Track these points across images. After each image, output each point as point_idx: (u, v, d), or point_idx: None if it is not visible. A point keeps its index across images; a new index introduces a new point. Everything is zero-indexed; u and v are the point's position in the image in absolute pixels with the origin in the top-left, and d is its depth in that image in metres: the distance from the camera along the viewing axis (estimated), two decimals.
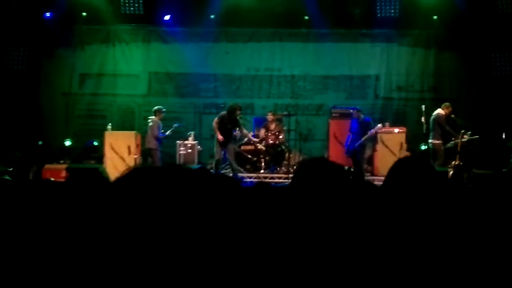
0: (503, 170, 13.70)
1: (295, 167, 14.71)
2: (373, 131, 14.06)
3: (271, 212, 2.75)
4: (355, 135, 14.03)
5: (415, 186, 2.77)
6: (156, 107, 14.66)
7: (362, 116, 14.16)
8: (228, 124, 13.87)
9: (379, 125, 14.64)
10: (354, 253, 2.37)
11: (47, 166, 14.50)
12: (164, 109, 14.65)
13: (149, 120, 14.45)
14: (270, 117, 15.34)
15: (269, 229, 2.50)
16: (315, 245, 2.39)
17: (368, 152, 14.78)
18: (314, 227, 2.44)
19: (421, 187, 2.78)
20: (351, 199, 2.55)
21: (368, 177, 14.26)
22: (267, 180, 13.88)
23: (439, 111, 13.93)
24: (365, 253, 2.39)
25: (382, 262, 2.40)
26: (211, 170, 13.67)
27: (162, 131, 14.44)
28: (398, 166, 2.92)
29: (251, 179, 13.91)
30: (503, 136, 14.24)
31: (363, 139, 13.86)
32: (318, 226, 2.44)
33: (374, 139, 14.79)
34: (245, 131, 14.56)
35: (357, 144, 13.87)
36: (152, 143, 14.28)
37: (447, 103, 14.08)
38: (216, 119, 13.95)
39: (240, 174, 14.23)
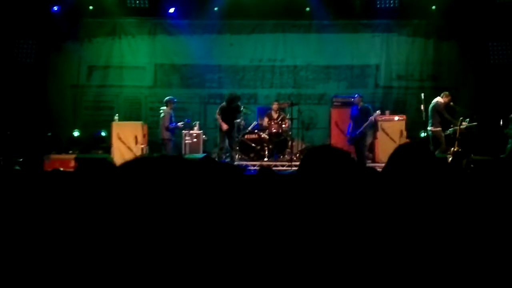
0: (501, 156, 13.87)
1: (299, 155, 15.10)
2: (372, 118, 14.23)
3: (277, 198, 2.80)
4: (355, 122, 14.22)
5: (415, 172, 2.77)
6: (167, 98, 14.83)
7: (362, 102, 14.34)
8: (229, 113, 14.18)
9: (378, 111, 14.81)
10: (359, 239, 2.40)
11: (56, 156, 14.70)
12: (175, 100, 14.86)
13: (161, 111, 14.69)
14: (275, 106, 15.61)
15: (276, 216, 2.56)
16: (321, 231, 2.42)
17: (369, 140, 15.01)
18: (321, 213, 2.47)
19: (422, 172, 2.78)
20: (357, 185, 2.58)
21: (369, 164, 14.47)
22: (270, 168, 14.04)
23: (438, 99, 14.04)
24: (370, 239, 2.42)
25: (386, 249, 2.42)
26: (216, 159, 14.01)
27: (174, 121, 14.63)
28: (399, 152, 2.91)
29: (255, 167, 14.07)
30: (501, 123, 14.32)
31: (363, 126, 14.01)
32: (325, 212, 2.47)
33: (374, 126, 15.04)
34: (242, 121, 15.00)
35: (358, 131, 14.04)
36: (164, 134, 14.50)
37: (446, 92, 14.21)
38: (217, 111, 14.32)
39: (244, 162, 14.54)
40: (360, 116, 14.17)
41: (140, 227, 2.16)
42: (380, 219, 2.51)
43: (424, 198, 2.66)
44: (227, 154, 14.58)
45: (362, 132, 14.10)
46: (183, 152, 15.12)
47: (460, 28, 16.76)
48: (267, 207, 2.67)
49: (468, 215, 2.76)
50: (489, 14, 16.03)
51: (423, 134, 15.09)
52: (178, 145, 15.46)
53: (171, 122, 14.52)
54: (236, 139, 14.80)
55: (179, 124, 14.68)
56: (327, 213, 2.45)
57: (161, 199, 2.23)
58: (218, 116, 14.26)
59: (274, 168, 13.90)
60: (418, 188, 2.71)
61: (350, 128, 14.42)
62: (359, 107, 14.29)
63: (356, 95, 14.59)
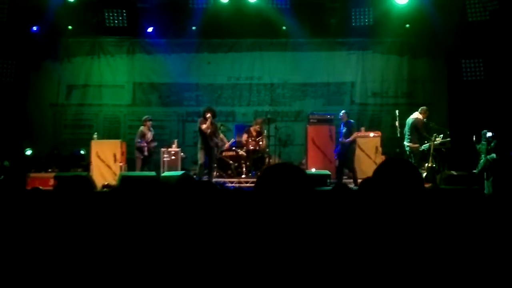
0: (473, 171, 14.01)
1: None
2: (356, 134, 14.43)
3: (240, 214, 2.91)
4: (342, 137, 14.39)
5: (401, 186, 2.77)
6: (144, 117, 15.12)
7: (347, 118, 14.49)
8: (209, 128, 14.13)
9: (362, 129, 15.17)
10: (323, 254, 2.49)
11: (35, 174, 14.75)
12: (150, 118, 15.03)
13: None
14: (257, 127, 15.46)
15: (241, 231, 2.67)
16: (277, 245, 2.49)
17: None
18: (277, 229, 2.52)
19: (407, 187, 2.78)
20: (308, 202, 2.60)
21: (345, 179, 14.54)
22: (248, 184, 14.10)
23: (417, 115, 14.08)
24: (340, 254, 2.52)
25: (362, 262, 2.51)
26: (194, 176, 14.12)
27: (141, 139, 14.74)
28: (385, 167, 2.92)
29: (233, 184, 14.14)
30: (474, 139, 14.40)
31: (347, 140, 14.19)
32: (280, 228, 2.52)
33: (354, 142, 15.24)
34: (221, 135, 14.99)
35: (342, 147, 14.24)
36: (135, 151, 14.81)
37: (424, 107, 14.25)
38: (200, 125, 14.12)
39: (222, 179, 14.55)
40: (345, 132, 14.34)
41: (116, 244, 2.31)
42: (354, 233, 2.63)
43: (401, 213, 2.71)
44: (205, 171, 14.65)
45: (346, 147, 14.26)
46: (161, 169, 15.16)
47: (434, 46, 17.09)
48: (234, 222, 2.80)
49: (441, 227, 2.85)
50: (462, 33, 16.29)
51: (397, 150, 15.13)
52: (156, 162, 15.54)
53: (141, 140, 14.68)
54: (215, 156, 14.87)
55: (143, 143, 14.75)
56: (282, 228, 2.51)
57: (139, 219, 2.46)
58: (200, 126, 14.11)
59: (251, 185, 13.90)
60: (402, 202, 2.74)
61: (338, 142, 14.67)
62: (344, 123, 14.46)
63: (342, 112, 14.73)
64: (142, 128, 14.87)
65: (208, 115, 13.93)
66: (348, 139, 14.24)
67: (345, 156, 14.35)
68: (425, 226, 2.72)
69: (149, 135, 14.91)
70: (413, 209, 2.73)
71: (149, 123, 14.94)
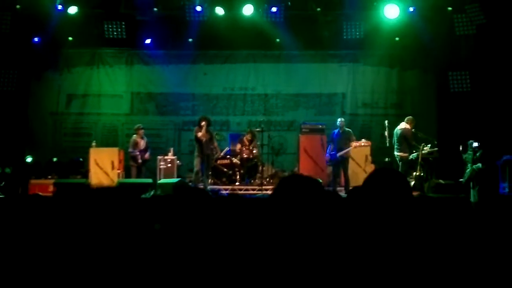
0: (460, 180, 14.28)
1: (269, 179, 15.50)
2: (356, 144, 14.63)
3: (246, 222, 2.97)
4: (336, 144, 14.63)
5: (390, 195, 2.80)
6: (136, 126, 15.43)
7: (344, 127, 14.78)
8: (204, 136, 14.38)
9: (363, 140, 15.14)
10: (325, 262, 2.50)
11: (35, 181, 14.98)
12: (142, 126, 15.36)
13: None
14: (248, 136, 15.91)
15: (247, 239, 2.71)
16: (293, 254, 2.50)
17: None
18: (293, 237, 2.55)
19: (394, 196, 2.80)
20: (325, 210, 2.64)
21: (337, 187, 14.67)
22: (241, 191, 14.39)
23: (405, 125, 14.25)
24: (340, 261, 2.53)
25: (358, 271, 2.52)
26: (190, 183, 14.46)
27: (134, 148, 15.09)
28: (375, 176, 2.96)
29: (227, 191, 14.22)
30: (460, 148, 14.58)
31: (346, 150, 14.43)
32: (297, 236, 2.55)
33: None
34: (215, 143, 15.21)
35: (339, 154, 14.42)
36: (129, 161, 15.14)
37: (410, 117, 14.43)
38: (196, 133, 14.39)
39: (216, 187, 14.83)
40: (342, 140, 14.60)
41: (116, 250, 2.39)
42: (351, 241, 2.64)
43: (393, 221, 2.74)
44: (201, 179, 14.82)
45: (343, 156, 14.48)
46: (157, 177, 15.42)
47: (422, 59, 17.42)
48: (235, 229, 2.87)
49: (429, 236, 2.87)
50: (449, 46, 16.62)
51: (387, 159, 15.47)
52: (152, 170, 15.82)
53: (134, 149, 14.99)
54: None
55: (136, 152, 15.06)
56: (297, 236, 2.55)
57: (135, 225, 2.49)
58: (195, 134, 14.39)
59: (245, 192, 14.39)
60: (392, 211, 2.76)
61: (330, 149, 14.87)
62: (341, 131, 14.68)
63: (341, 120, 15.00)
64: (134, 137, 15.19)
65: (203, 123, 14.26)
66: (348, 148, 14.49)
67: (343, 164, 14.58)
68: (413, 233, 2.74)
69: (142, 143, 15.19)
70: (402, 217, 2.76)
71: (141, 131, 15.24)
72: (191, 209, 2.72)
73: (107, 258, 2.37)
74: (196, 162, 14.47)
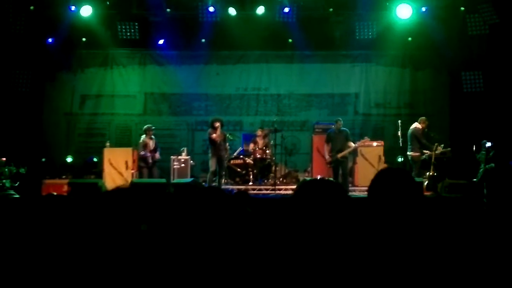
0: (474, 180, 14.19)
1: (282, 179, 15.53)
2: (357, 145, 14.66)
3: (270, 223, 2.98)
4: (337, 145, 14.41)
5: (396, 196, 2.78)
6: (145, 126, 15.42)
7: (341, 126, 14.57)
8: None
9: (366, 138, 15.29)
10: (344, 263, 2.51)
11: (50, 181, 15.04)
12: (152, 127, 15.31)
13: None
14: (259, 133, 16.00)
15: (271, 239, 2.71)
16: (314, 252, 2.53)
17: (349, 164, 15.31)
18: (314, 237, 2.57)
19: (402, 196, 2.78)
20: (344, 213, 2.65)
21: (349, 187, 14.81)
22: (254, 191, 14.41)
23: (416, 125, 14.40)
24: (353, 262, 2.53)
25: (367, 271, 2.52)
26: (203, 183, 14.52)
27: (144, 150, 15.03)
28: (381, 177, 2.93)
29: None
30: (474, 148, 14.49)
31: (346, 151, 14.32)
32: (317, 236, 2.57)
33: (354, 152, 15.36)
34: (227, 144, 15.23)
35: (340, 155, 14.23)
36: (139, 161, 15.17)
37: (423, 118, 14.55)
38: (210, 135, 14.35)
39: (230, 187, 14.79)
40: (341, 139, 14.47)
41: (128, 249, 2.44)
42: (361, 244, 2.61)
43: (405, 221, 2.73)
44: (214, 179, 14.88)
45: (344, 156, 14.37)
46: (171, 177, 15.48)
47: (435, 59, 17.41)
48: (257, 231, 2.86)
49: (443, 236, 2.86)
50: (462, 46, 16.60)
51: (400, 159, 15.36)
52: (166, 170, 15.88)
53: (145, 150, 14.96)
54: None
55: (147, 153, 14.99)
56: (317, 236, 2.57)
57: (148, 223, 2.57)
58: (210, 135, 14.34)
59: (258, 192, 14.47)
60: (398, 212, 2.75)
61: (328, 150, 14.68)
62: (339, 131, 14.51)
63: (338, 119, 14.82)
64: (143, 137, 15.11)
65: (217, 124, 14.31)
66: (349, 149, 14.39)
67: (342, 164, 14.43)
68: (426, 233, 2.73)
69: (151, 144, 15.10)
70: (411, 217, 2.74)
71: (151, 132, 15.17)
72: (205, 207, 2.70)
73: (120, 256, 2.43)
74: (212, 163, 14.48)
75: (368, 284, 2.51)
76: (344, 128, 14.75)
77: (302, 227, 2.61)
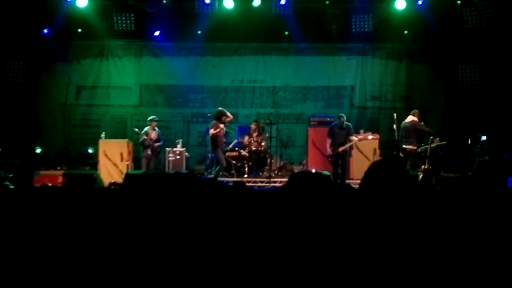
0: (469, 173, 14.32)
1: (277, 171, 15.50)
2: (356, 139, 14.46)
3: (253, 212, 2.99)
4: (339, 139, 14.27)
5: (389, 187, 2.78)
6: (149, 117, 15.45)
7: (344, 121, 14.45)
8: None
9: (361, 131, 15.25)
10: (334, 252, 2.54)
11: (44, 172, 15.03)
12: (156, 118, 15.35)
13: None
14: (253, 125, 16.03)
15: (260, 229, 2.72)
16: (305, 244, 2.57)
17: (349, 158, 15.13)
18: (305, 228, 2.62)
19: (395, 188, 2.78)
20: (335, 202, 2.73)
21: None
22: (250, 184, 14.28)
23: (412, 118, 14.25)
24: (344, 253, 2.56)
25: (360, 262, 2.54)
26: (208, 175, 14.33)
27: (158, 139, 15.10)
28: (374, 169, 2.95)
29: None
30: (469, 142, 14.75)
31: (347, 145, 14.19)
32: (309, 226, 2.62)
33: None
34: None
35: (341, 149, 14.08)
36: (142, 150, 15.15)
37: (416, 110, 14.43)
38: (212, 130, 13.84)
39: (225, 179, 14.72)
40: (343, 134, 14.32)
41: (121, 241, 2.41)
42: (353, 234, 2.63)
43: (396, 213, 2.71)
44: (209, 171, 14.86)
45: (345, 151, 14.26)
46: (166, 168, 15.48)
47: (431, 52, 17.40)
48: (246, 219, 2.87)
49: (437, 229, 2.85)
50: (458, 39, 16.61)
51: (395, 152, 15.19)
52: (161, 161, 15.88)
53: (145, 137, 14.96)
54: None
55: (147, 140, 14.97)
56: (309, 227, 2.61)
57: (144, 213, 2.51)
58: (216, 130, 13.81)
59: (253, 184, 14.39)
60: (391, 203, 2.74)
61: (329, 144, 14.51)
62: (342, 126, 14.33)
63: (341, 115, 14.67)
64: (146, 128, 15.15)
65: (224, 117, 14.02)
66: (349, 143, 14.31)
67: (343, 159, 14.33)
68: (422, 226, 2.72)
69: (153, 135, 15.13)
70: (404, 208, 2.73)
71: (154, 123, 15.21)
72: (203, 199, 2.72)
73: (115, 248, 2.41)
74: (221, 157, 14.01)
75: (357, 274, 2.53)
76: (348, 123, 14.63)
77: (292, 218, 2.64)
